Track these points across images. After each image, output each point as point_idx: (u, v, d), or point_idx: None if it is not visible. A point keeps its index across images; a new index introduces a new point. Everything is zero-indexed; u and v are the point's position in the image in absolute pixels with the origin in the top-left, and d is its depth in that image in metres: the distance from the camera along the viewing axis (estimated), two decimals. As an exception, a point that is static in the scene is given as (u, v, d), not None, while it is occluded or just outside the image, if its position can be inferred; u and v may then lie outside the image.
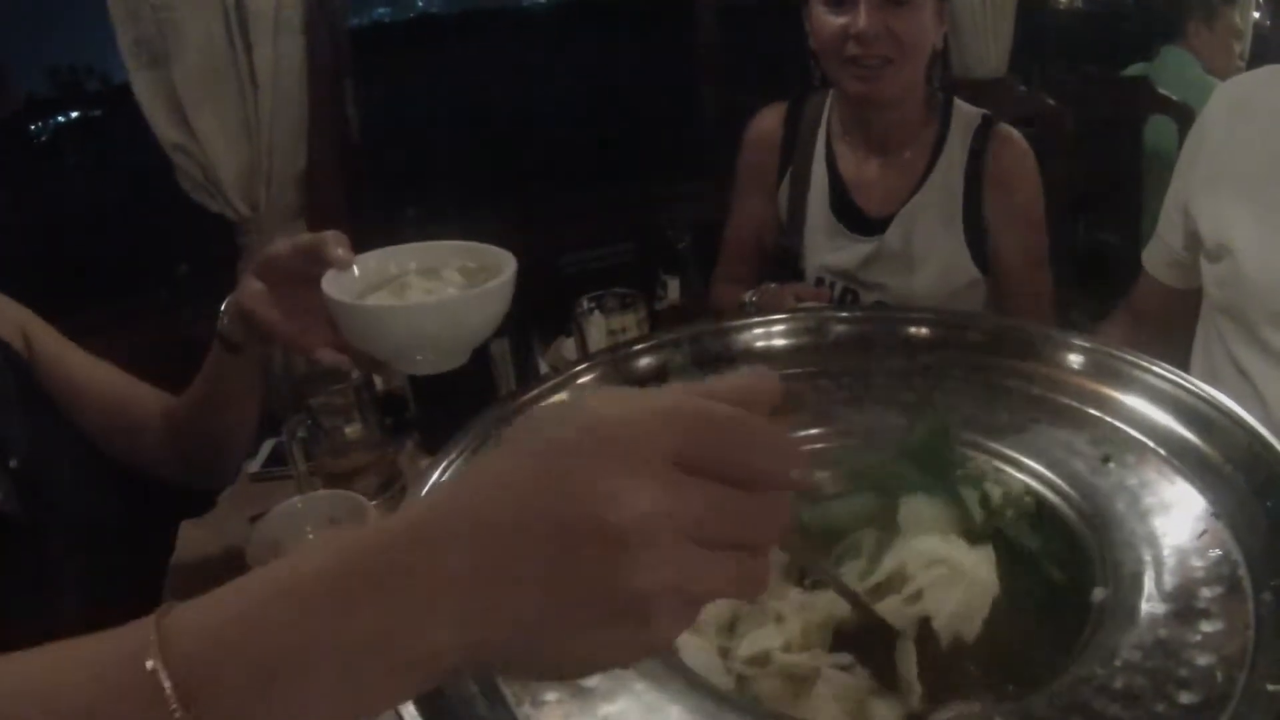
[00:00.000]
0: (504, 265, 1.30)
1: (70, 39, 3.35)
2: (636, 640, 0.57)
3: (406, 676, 0.58)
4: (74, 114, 3.65)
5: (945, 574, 1.02)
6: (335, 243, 1.32)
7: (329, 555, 0.58)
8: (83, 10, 3.16)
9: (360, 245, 1.35)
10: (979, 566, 1.03)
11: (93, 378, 1.67)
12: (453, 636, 0.56)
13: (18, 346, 1.58)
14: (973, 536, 1.07)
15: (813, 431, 1.21)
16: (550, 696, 0.85)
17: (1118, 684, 0.83)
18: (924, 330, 1.35)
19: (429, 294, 1.30)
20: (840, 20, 2.10)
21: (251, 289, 1.39)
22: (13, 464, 1.43)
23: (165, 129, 2.73)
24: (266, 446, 2.06)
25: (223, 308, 1.48)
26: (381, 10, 4.32)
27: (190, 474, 1.73)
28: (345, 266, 1.31)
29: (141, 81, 2.69)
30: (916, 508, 1.09)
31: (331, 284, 1.28)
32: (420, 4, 4.61)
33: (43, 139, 3.64)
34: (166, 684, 0.54)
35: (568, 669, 0.62)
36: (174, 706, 0.54)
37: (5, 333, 1.57)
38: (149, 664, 0.55)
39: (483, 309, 1.27)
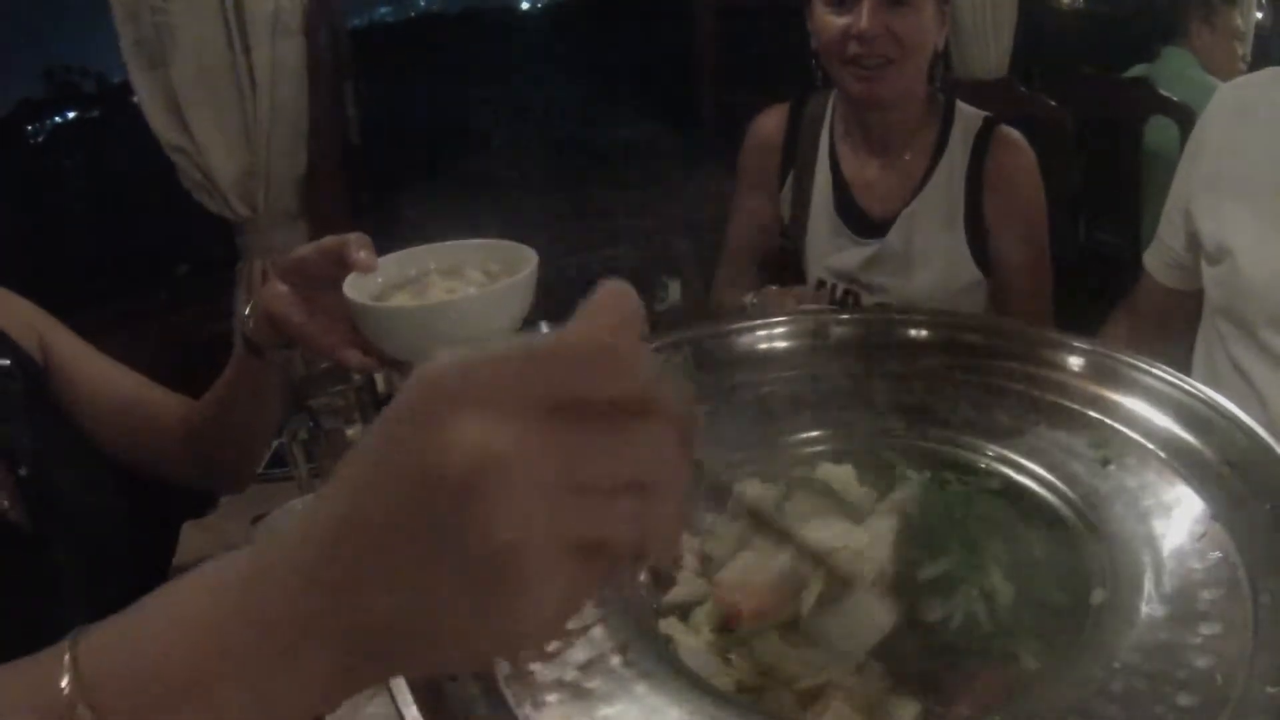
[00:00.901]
0: (526, 261, 1.30)
1: (67, 40, 3.34)
2: (524, 608, 0.49)
3: (307, 696, 0.55)
4: (71, 115, 3.64)
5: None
6: (358, 245, 1.32)
7: (203, 599, 0.56)
8: (79, 11, 3.17)
9: None
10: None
11: (111, 381, 1.66)
12: (332, 658, 0.54)
13: (32, 352, 1.57)
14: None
15: (813, 434, 1.21)
16: (551, 698, 0.85)
17: (1117, 686, 0.83)
18: (923, 332, 1.35)
19: (449, 294, 1.30)
20: (842, 20, 2.10)
21: (276, 292, 1.40)
22: (22, 472, 1.42)
23: (165, 130, 2.73)
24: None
25: (246, 311, 1.48)
26: (384, 10, 4.31)
27: (209, 476, 1.72)
28: (368, 269, 1.31)
29: (142, 83, 2.69)
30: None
31: (352, 286, 1.29)
32: (422, 3, 4.60)
33: (40, 139, 3.64)
34: (84, 712, 0.55)
35: (464, 651, 0.54)
36: None
37: (20, 337, 1.56)
38: (63, 684, 0.55)
39: (503, 306, 1.26)
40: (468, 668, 0.70)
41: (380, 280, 1.34)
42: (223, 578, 0.56)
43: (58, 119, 3.62)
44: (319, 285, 1.36)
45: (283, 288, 1.40)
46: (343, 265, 1.32)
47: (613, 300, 0.55)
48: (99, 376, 1.65)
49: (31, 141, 3.64)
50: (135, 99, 2.73)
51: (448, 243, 1.40)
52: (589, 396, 0.50)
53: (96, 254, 3.38)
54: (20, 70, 3.38)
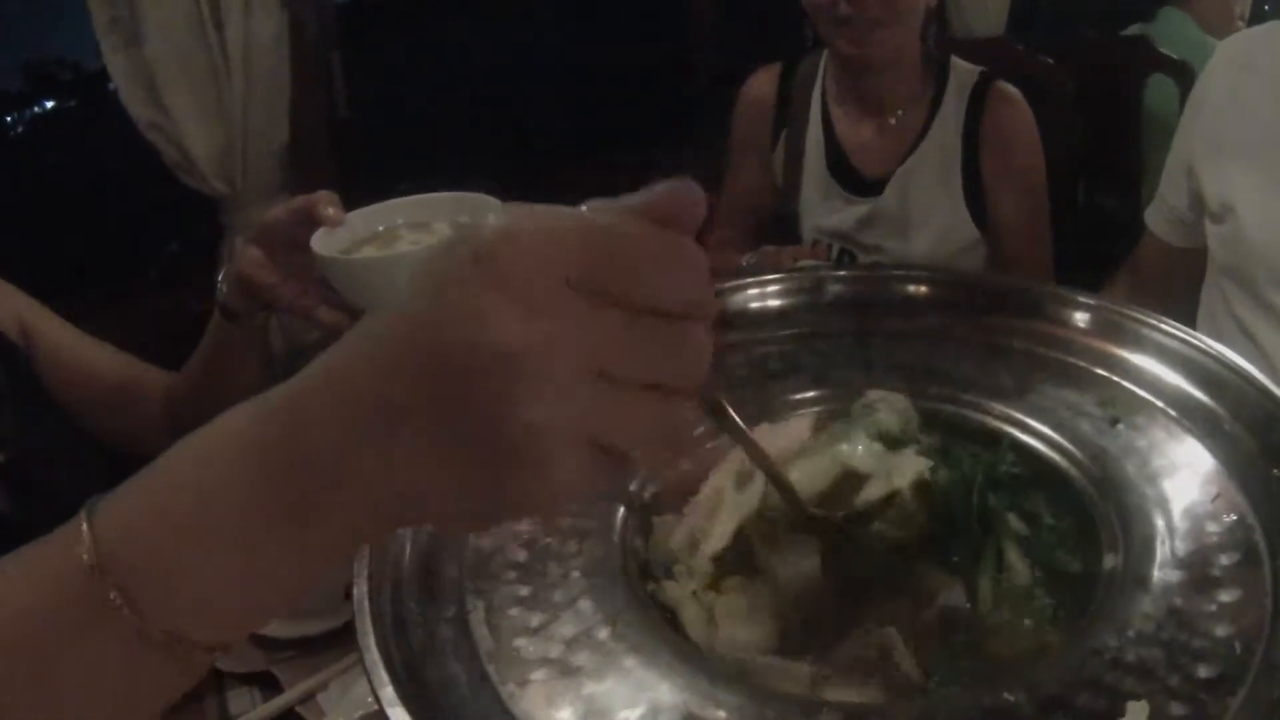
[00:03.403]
0: (489, 214, 1.28)
1: (41, 31, 3.32)
2: (535, 487, 0.50)
3: (324, 553, 0.56)
4: (49, 104, 3.63)
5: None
6: (326, 202, 1.35)
7: (226, 466, 0.57)
8: (52, 2, 3.15)
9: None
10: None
11: (95, 360, 1.67)
12: (349, 517, 0.54)
13: (13, 335, 1.57)
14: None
15: (810, 394, 1.17)
16: (536, 676, 0.82)
17: (1130, 656, 0.80)
18: (924, 289, 1.31)
19: (415, 245, 1.31)
20: None
21: (250, 255, 1.42)
22: (2, 458, 1.42)
23: (140, 108, 2.71)
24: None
25: (220, 277, 1.50)
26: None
27: None
28: (336, 224, 1.33)
29: (116, 62, 2.67)
30: None
31: (320, 241, 1.30)
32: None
33: (19, 130, 3.63)
34: (111, 593, 0.55)
35: (468, 516, 0.55)
36: (112, 595, 0.55)
37: (0, 321, 1.56)
38: (83, 555, 0.56)
39: None
40: (465, 530, 0.70)
41: (348, 235, 1.34)
42: (243, 443, 0.58)
43: (36, 109, 3.61)
44: (291, 247, 1.37)
45: (256, 251, 1.42)
46: (313, 225, 1.33)
47: (677, 198, 0.54)
48: (83, 355, 1.65)
49: (11, 133, 3.64)
50: (112, 85, 2.71)
51: (415, 197, 1.40)
52: (638, 295, 0.50)
53: (85, 238, 3.37)
54: (-4, 64, 3.39)
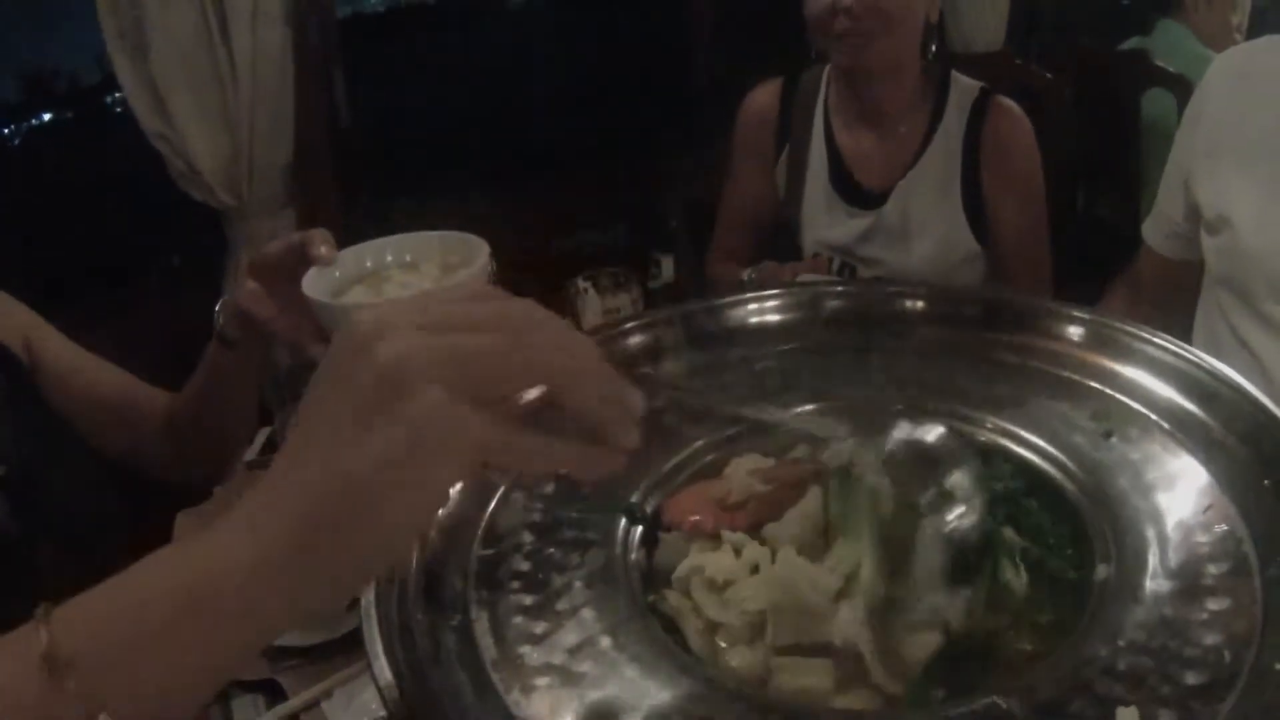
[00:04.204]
0: (477, 255, 1.32)
1: (36, 43, 3.34)
2: (429, 459, 0.62)
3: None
4: (46, 116, 3.65)
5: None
6: (319, 241, 1.36)
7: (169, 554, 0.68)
8: (48, 15, 3.16)
9: (353, 231, 1.37)
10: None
11: (98, 379, 1.69)
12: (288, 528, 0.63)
13: (16, 350, 1.59)
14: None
15: (807, 408, 1.19)
16: (540, 682, 0.84)
17: (1122, 665, 0.81)
18: (919, 304, 1.32)
19: (404, 288, 1.33)
20: None
21: (247, 288, 1.45)
22: (1, 471, 1.43)
23: (148, 119, 2.74)
24: (261, 435, 2.05)
25: (218, 307, 1.52)
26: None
27: (190, 469, 1.74)
28: (328, 263, 1.35)
29: (126, 73, 2.70)
30: None
31: (311, 282, 1.32)
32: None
33: (16, 142, 3.64)
34: (69, 684, 0.60)
35: (395, 512, 0.64)
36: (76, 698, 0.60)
37: (3, 335, 1.58)
38: (41, 640, 0.61)
39: None
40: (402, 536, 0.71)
41: (338, 274, 1.36)
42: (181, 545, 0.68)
43: (33, 121, 3.62)
44: (286, 280, 1.38)
45: (253, 284, 1.45)
46: (307, 260, 1.35)
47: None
48: (86, 374, 1.67)
49: (9, 145, 3.65)
50: (110, 98, 2.74)
51: (406, 235, 1.42)
52: (463, 316, 0.67)
53: (86, 249, 3.37)
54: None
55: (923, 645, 0.92)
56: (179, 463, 1.72)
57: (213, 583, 0.63)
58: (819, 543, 1.03)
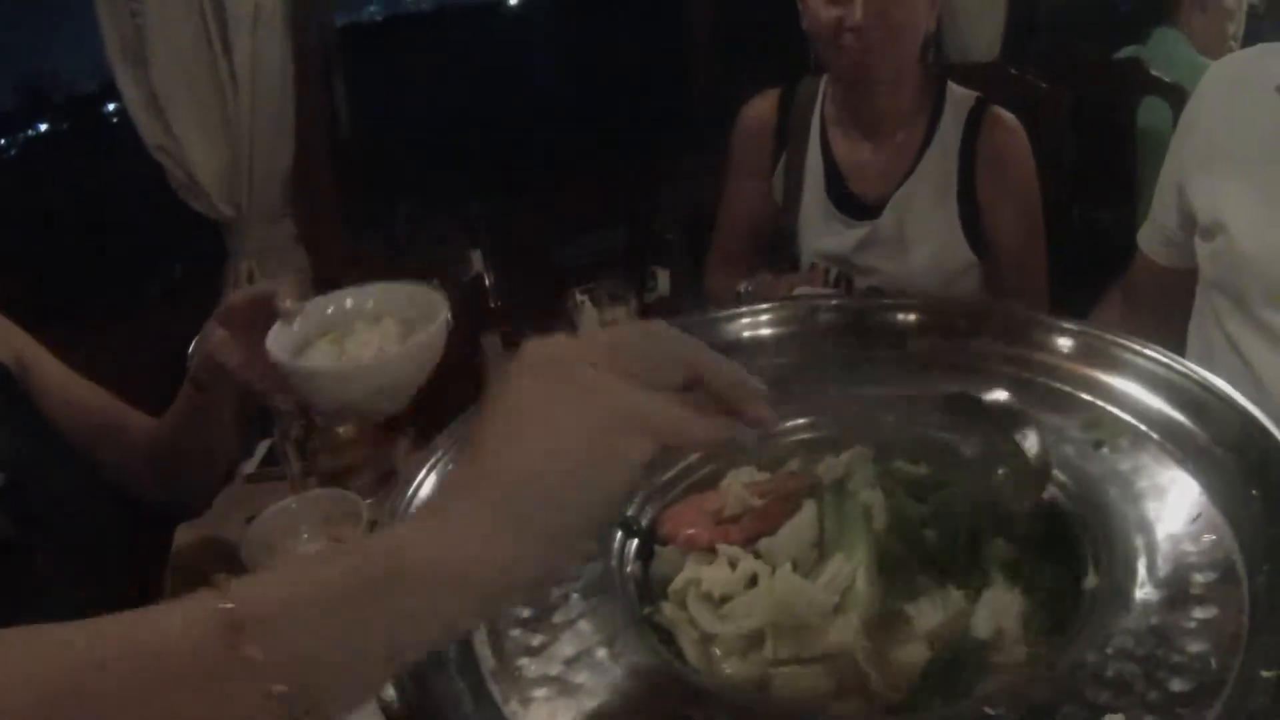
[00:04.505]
0: (438, 311, 1.39)
1: (33, 52, 3.34)
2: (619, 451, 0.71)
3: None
4: (42, 127, 3.65)
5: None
6: (285, 293, 1.42)
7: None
8: (45, 24, 3.16)
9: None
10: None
11: (86, 401, 1.71)
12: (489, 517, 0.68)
13: (9, 364, 1.59)
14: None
15: (801, 421, 1.20)
16: (538, 693, 0.85)
17: (1110, 672, 0.82)
18: (913, 316, 1.34)
19: (364, 346, 1.39)
20: (835, 12, 2.10)
21: (216, 336, 1.48)
22: (2, 481, 1.43)
23: (148, 129, 2.75)
24: (262, 447, 2.06)
25: (190, 349, 1.55)
26: (373, 7, 4.30)
27: (171, 495, 1.76)
28: (293, 316, 1.41)
29: (126, 82, 2.70)
30: None
31: (275, 337, 1.38)
32: (407, -1, 4.59)
33: (13, 152, 3.64)
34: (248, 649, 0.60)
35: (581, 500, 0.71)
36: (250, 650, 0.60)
37: None
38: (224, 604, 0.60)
39: (406, 365, 1.37)
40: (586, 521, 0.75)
41: (304, 327, 1.42)
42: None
43: (30, 132, 3.62)
44: (255, 328, 1.43)
45: (222, 331, 1.48)
46: (274, 311, 1.41)
47: None
48: (73, 393, 1.69)
49: (5, 156, 3.65)
50: (105, 109, 2.74)
51: (370, 286, 1.49)
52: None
53: (89, 260, 3.38)
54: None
55: (914, 653, 0.93)
56: (160, 488, 1.74)
57: (403, 560, 0.65)
58: (813, 555, 1.04)
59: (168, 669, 0.59)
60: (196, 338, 1.53)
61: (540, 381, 0.73)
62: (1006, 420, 1.04)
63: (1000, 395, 1.06)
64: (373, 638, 0.64)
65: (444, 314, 1.38)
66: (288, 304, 1.41)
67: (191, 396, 1.60)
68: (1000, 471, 1.04)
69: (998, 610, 0.97)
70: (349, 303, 1.48)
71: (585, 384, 0.72)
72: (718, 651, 0.97)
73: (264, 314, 1.42)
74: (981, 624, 0.96)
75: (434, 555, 0.66)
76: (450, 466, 1.07)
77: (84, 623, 0.60)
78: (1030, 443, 1.02)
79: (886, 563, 1.01)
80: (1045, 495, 1.04)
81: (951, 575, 1.01)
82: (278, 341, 1.37)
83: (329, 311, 1.46)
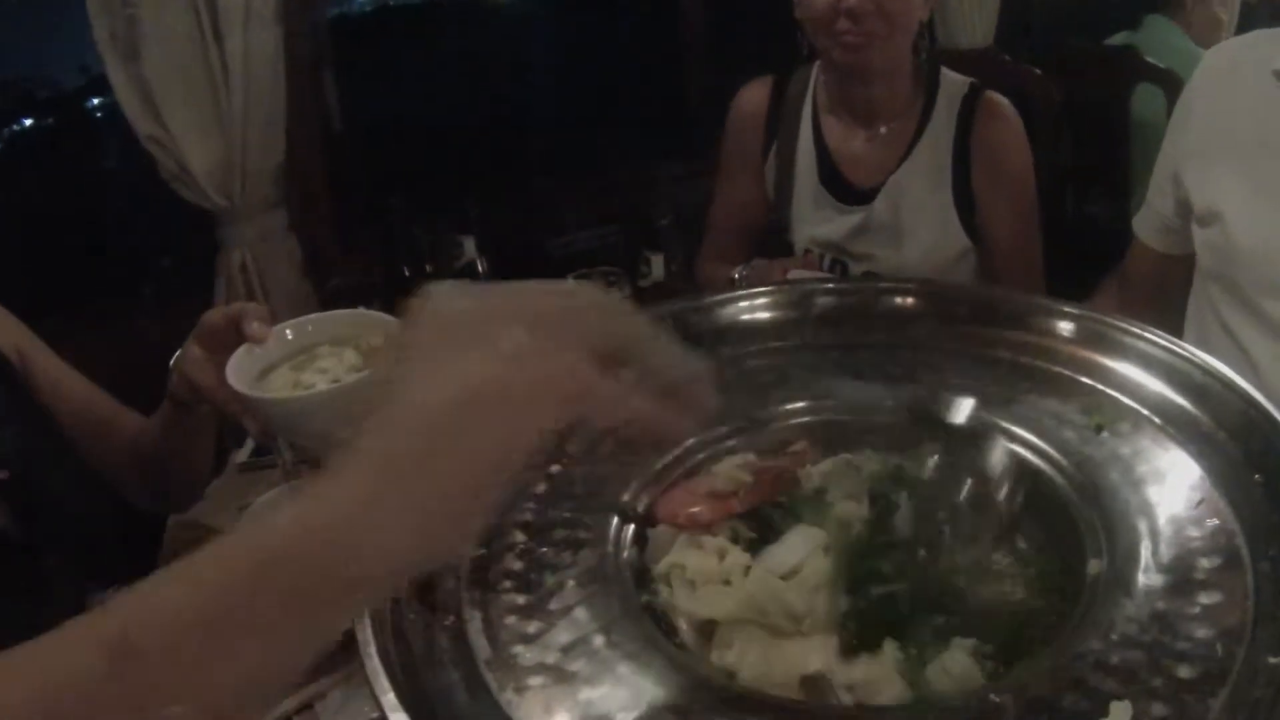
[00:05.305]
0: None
1: (14, 50, 3.32)
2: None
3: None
4: (28, 122, 3.63)
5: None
6: (252, 317, 1.43)
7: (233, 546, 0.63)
8: (29, 22, 3.15)
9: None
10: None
11: (82, 396, 1.72)
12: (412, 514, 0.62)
13: (11, 356, 1.60)
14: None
15: (798, 405, 1.19)
16: (533, 681, 0.84)
17: (1114, 659, 0.81)
18: (910, 301, 1.33)
19: (323, 373, 1.41)
20: None
21: (191, 355, 1.50)
22: (3, 475, 1.44)
23: (140, 121, 2.73)
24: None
25: (172, 363, 1.55)
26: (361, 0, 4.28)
27: (151, 495, 1.78)
28: (260, 340, 1.42)
29: (117, 75, 2.69)
30: None
31: (236, 362, 1.40)
32: (396, -10, 4.57)
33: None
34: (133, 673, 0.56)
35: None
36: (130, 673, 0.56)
37: (1, 345, 1.59)
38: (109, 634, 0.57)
39: (359, 397, 1.34)
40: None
41: (271, 350, 1.44)
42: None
43: (14, 127, 3.61)
44: (227, 349, 1.43)
45: (197, 350, 1.50)
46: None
47: None
48: (69, 388, 1.70)
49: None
50: (89, 103, 2.73)
51: (334, 313, 1.53)
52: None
53: (80, 254, 3.37)
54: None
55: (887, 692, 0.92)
56: (143, 487, 1.75)
57: (303, 537, 0.61)
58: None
59: (59, 705, 0.57)
60: (177, 354, 1.54)
61: (439, 329, 0.68)
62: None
63: (965, 407, 1.03)
64: (263, 640, 0.60)
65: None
66: (255, 327, 1.42)
67: (170, 414, 1.62)
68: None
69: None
70: (314, 331, 1.49)
71: (487, 329, 0.66)
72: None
73: (234, 335, 1.44)
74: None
75: (346, 517, 0.61)
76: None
77: None
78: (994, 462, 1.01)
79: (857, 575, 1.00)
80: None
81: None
82: (240, 366, 1.40)
83: (294, 337, 1.48)
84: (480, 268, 1.86)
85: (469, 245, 1.94)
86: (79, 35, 2.69)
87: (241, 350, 1.41)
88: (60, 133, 3.68)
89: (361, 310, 1.54)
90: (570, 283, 0.75)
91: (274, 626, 0.59)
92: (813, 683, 0.92)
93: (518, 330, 0.66)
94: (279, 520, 0.62)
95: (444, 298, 0.70)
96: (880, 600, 0.97)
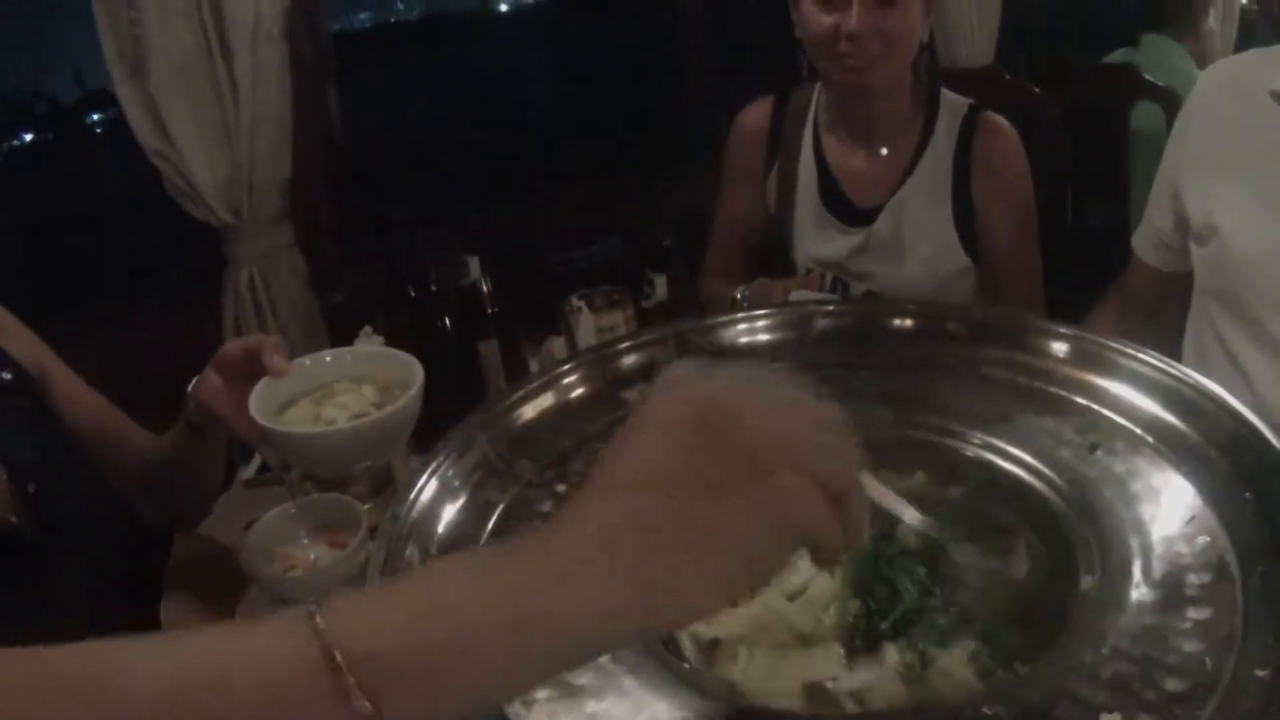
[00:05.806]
0: (414, 376, 1.45)
1: (12, 65, 3.34)
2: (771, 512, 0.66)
3: (578, 651, 0.66)
4: (27, 137, 3.65)
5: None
6: (271, 350, 1.47)
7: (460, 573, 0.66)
8: (26, 37, 3.17)
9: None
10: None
11: (96, 411, 1.73)
12: (625, 592, 0.63)
13: (32, 370, 1.62)
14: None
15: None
16: (540, 695, 0.85)
17: (1106, 672, 0.83)
18: (909, 322, 1.35)
19: (343, 409, 1.46)
20: (830, 19, 2.09)
21: (209, 383, 1.53)
22: (31, 488, 1.46)
23: (147, 137, 2.74)
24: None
25: (190, 388, 1.58)
26: (364, 15, 4.30)
27: (158, 512, 1.79)
28: (280, 374, 1.47)
29: (124, 91, 2.70)
30: None
31: (258, 394, 1.44)
32: (400, 6, 4.59)
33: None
34: (350, 680, 0.58)
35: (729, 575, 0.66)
36: (358, 699, 0.58)
37: (20, 355, 1.61)
38: (336, 656, 0.58)
39: (378, 432, 1.41)
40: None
41: (291, 382, 1.49)
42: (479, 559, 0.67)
43: (14, 142, 3.62)
44: (248, 378, 1.48)
45: (215, 379, 1.52)
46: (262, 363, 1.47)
47: None
48: (83, 403, 1.72)
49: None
50: (89, 119, 2.74)
51: (353, 349, 1.61)
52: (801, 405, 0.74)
53: (88, 269, 3.38)
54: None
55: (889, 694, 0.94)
56: (150, 504, 1.77)
57: (529, 595, 0.63)
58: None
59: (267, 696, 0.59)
60: (195, 380, 1.57)
61: (698, 444, 0.67)
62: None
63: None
64: (490, 677, 0.63)
65: (419, 381, 1.43)
66: (276, 361, 1.46)
67: (183, 437, 1.63)
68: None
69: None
70: (333, 366, 1.54)
71: (775, 486, 0.66)
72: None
73: (252, 365, 1.48)
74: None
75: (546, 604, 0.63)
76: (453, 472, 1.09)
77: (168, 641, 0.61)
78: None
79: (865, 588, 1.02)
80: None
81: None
82: (260, 398, 1.43)
83: (314, 371, 1.53)
84: (485, 288, 1.88)
85: (474, 265, 1.95)
86: (72, 43, 2.71)
87: (262, 383, 1.45)
88: (60, 147, 3.70)
89: (381, 348, 1.60)
90: (810, 400, 0.74)
91: (488, 664, 0.62)
92: (815, 691, 0.94)
93: (789, 476, 0.66)
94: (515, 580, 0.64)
95: (693, 385, 0.71)
96: (884, 602, 0.99)
